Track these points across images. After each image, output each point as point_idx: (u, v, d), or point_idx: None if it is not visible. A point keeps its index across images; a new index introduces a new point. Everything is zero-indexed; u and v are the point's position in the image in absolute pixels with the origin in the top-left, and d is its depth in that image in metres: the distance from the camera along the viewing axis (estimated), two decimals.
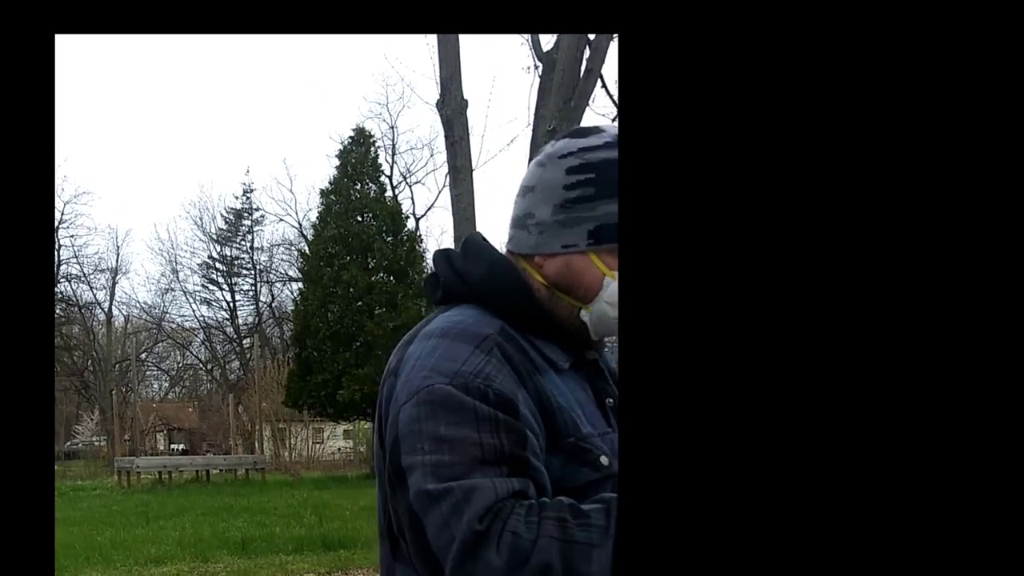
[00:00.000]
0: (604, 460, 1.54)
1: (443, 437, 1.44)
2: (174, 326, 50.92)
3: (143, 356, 49.30)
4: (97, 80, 75.75)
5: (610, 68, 9.89)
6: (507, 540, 1.37)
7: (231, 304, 49.69)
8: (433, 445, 1.45)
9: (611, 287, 1.59)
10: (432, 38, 9.42)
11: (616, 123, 1.71)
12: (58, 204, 47.70)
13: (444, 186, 33.25)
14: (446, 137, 10.20)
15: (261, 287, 49.67)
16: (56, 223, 42.25)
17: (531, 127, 10.09)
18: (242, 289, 50.09)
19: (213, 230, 49.48)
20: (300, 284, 32.82)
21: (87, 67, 76.92)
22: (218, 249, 49.52)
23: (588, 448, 1.54)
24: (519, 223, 1.67)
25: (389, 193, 30.95)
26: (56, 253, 43.79)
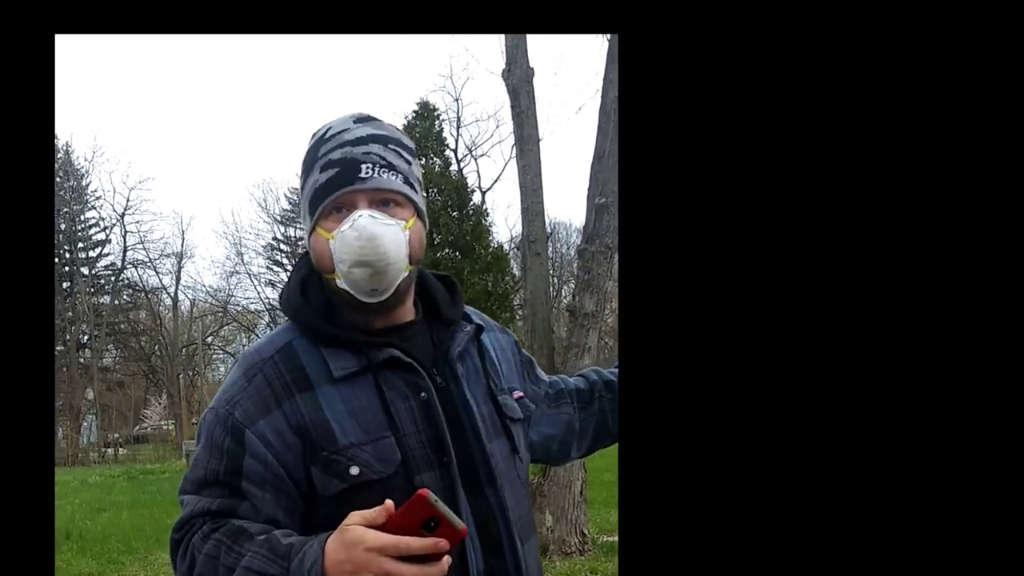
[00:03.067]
0: (354, 471, 1.66)
1: (195, 456, 1.75)
2: (239, 309, 51.25)
3: (209, 340, 49.87)
4: (157, 62, 76.44)
5: None
6: (187, 551, 1.66)
7: None
8: (192, 460, 1.77)
9: (336, 241, 1.74)
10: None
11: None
12: (123, 190, 48.15)
13: (511, 158, 33.03)
14: (512, 107, 10.01)
15: None
16: (123, 209, 42.66)
17: (600, 93, 9.84)
18: None
19: (277, 211, 49.50)
20: None
21: (146, 52, 77.84)
22: (282, 230, 49.55)
23: (337, 460, 1.67)
24: None
25: (454, 167, 30.81)
26: (123, 239, 44.27)
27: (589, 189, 9.30)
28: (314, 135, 1.85)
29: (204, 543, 1.63)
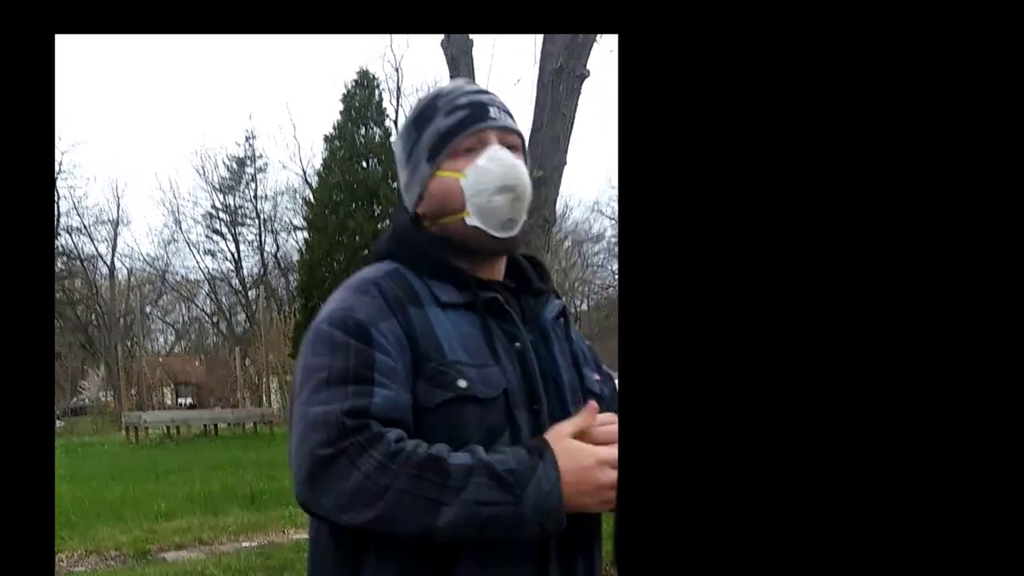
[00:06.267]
0: (461, 383, 1.68)
1: (304, 367, 1.70)
2: (178, 278, 50.74)
3: (148, 310, 49.39)
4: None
5: None
6: (355, 479, 1.55)
7: (235, 255, 48.92)
8: (299, 376, 1.71)
9: (470, 176, 1.81)
10: None
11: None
12: (56, 155, 47.42)
13: None
14: (451, 77, 9.97)
15: (266, 237, 48.56)
16: (55, 174, 42.10)
17: (537, 65, 9.85)
18: (246, 239, 49.14)
19: (215, 179, 48.66)
20: (305, 233, 32.42)
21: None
22: (221, 198, 48.63)
23: (444, 371, 1.69)
24: (401, 191, 1.96)
25: (395, 137, 30.66)
26: (56, 205, 43.63)
27: (525, 162, 9.33)
28: (424, 96, 1.97)
29: (382, 473, 1.55)
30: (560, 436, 1.65)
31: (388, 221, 27.03)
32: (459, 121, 1.84)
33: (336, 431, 1.57)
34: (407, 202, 1.92)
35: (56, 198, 43.14)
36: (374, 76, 29.45)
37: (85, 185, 66.78)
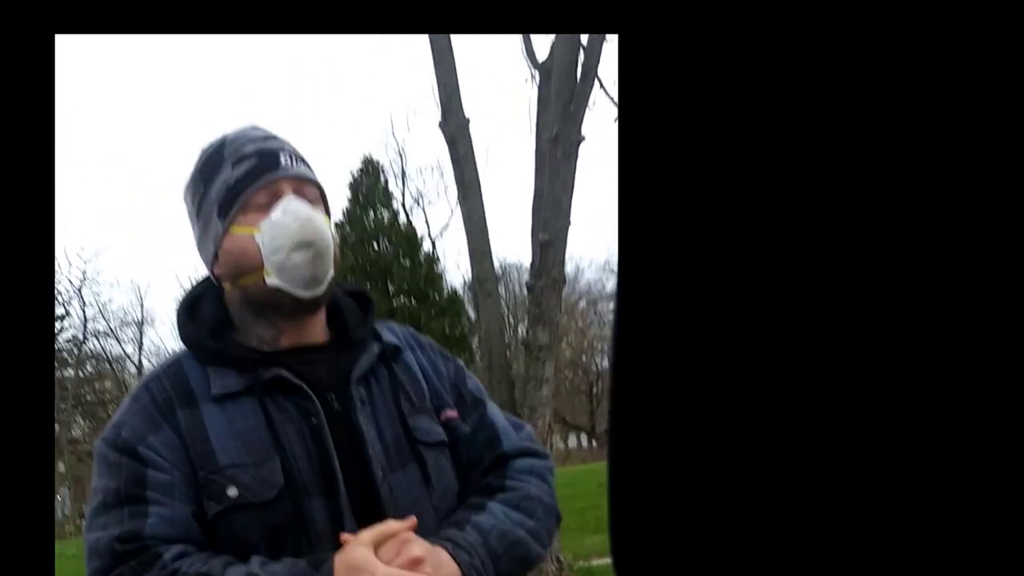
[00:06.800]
0: (231, 492, 1.56)
1: (92, 488, 1.59)
2: None
3: None
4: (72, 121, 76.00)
5: (606, 69, 10.03)
6: None
7: None
8: (90, 500, 1.61)
9: (265, 232, 1.65)
10: (429, 61, 9.56)
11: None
12: (79, 263, 47.84)
13: (456, 204, 33.26)
14: (451, 155, 10.31)
15: None
16: (80, 282, 42.44)
17: (534, 135, 10.22)
18: None
19: None
20: None
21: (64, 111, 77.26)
22: None
23: (215, 480, 1.57)
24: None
25: (403, 218, 30.97)
26: (82, 311, 43.95)
27: (532, 227, 9.68)
28: (208, 146, 1.76)
29: None
30: (353, 546, 1.50)
31: (402, 298, 27.31)
32: (248, 172, 1.67)
33: (109, 559, 1.51)
34: (204, 262, 1.76)
35: (82, 304, 43.46)
36: (378, 162, 29.85)
37: (109, 290, 67.31)
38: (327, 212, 1.75)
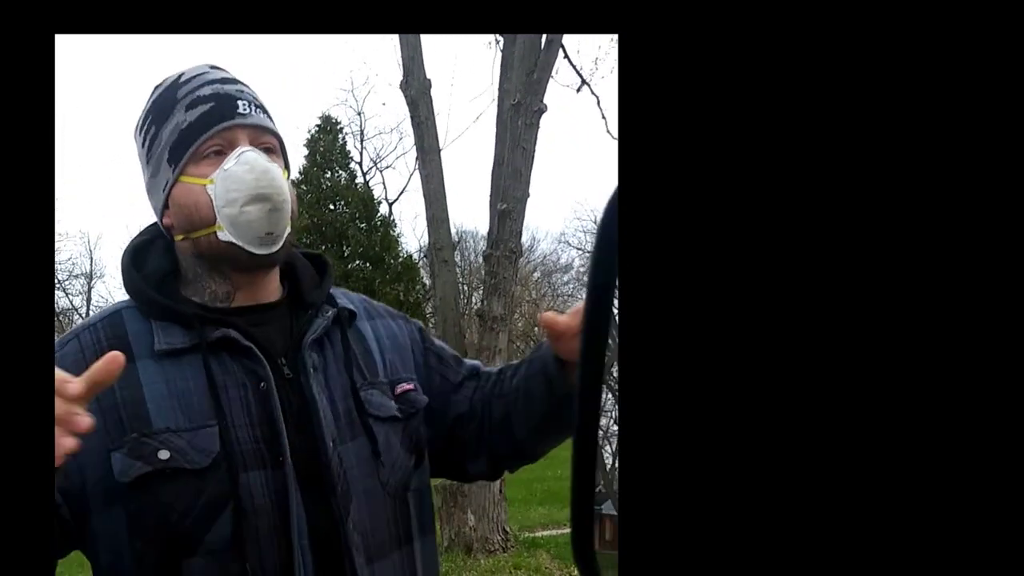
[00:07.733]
0: (163, 454, 1.43)
1: None
2: None
3: None
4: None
5: (570, 38, 9.92)
6: None
7: None
8: None
9: (218, 183, 1.52)
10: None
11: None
12: None
13: (414, 169, 33.14)
14: (412, 118, 10.22)
15: None
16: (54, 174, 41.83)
17: (496, 102, 10.12)
18: None
19: None
20: None
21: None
22: None
23: (147, 443, 1.43)
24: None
25: (360, 180, 30.82)
26: None
27: (491, 196, 9.59)
28: (161, 82, 1.64)
29: None
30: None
31: (357, 262, 27.24)
32: (200, 117, 1.55)
33: None
34: (153, 209, 1.64)
35: None
36: (337, 121, 29.63)
37: (57, 241, 66.60)
38: (286, 166, 1.63)
